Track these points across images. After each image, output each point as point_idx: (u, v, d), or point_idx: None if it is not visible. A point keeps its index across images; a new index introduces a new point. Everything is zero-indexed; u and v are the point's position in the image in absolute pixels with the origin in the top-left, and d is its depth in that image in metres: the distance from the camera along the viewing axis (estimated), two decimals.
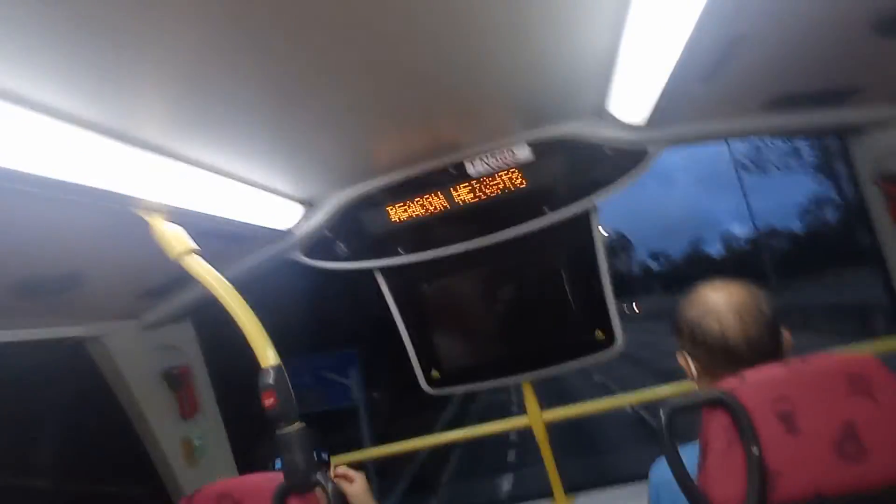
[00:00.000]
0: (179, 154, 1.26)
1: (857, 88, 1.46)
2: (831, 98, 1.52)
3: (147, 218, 1.26)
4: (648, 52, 1.19)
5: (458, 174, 1.83)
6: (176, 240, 1.26)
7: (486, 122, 1.65)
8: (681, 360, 1.16)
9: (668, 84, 1.30)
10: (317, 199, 1.92)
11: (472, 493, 8.16)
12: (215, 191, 1.44)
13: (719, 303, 1.06)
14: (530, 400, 2.04)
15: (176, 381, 2.12)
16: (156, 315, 2.03)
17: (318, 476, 1.10)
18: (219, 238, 1.68)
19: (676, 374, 1.29)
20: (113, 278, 1.64)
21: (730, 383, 0.94)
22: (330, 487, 1.08)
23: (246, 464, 2.39)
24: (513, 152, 1.79)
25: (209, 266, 1.25)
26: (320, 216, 1.92)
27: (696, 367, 1.11)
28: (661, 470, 1.11)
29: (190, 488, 2.10)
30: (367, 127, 1.46)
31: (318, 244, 1.97)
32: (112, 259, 1.53)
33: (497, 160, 1.80)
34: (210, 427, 2.27)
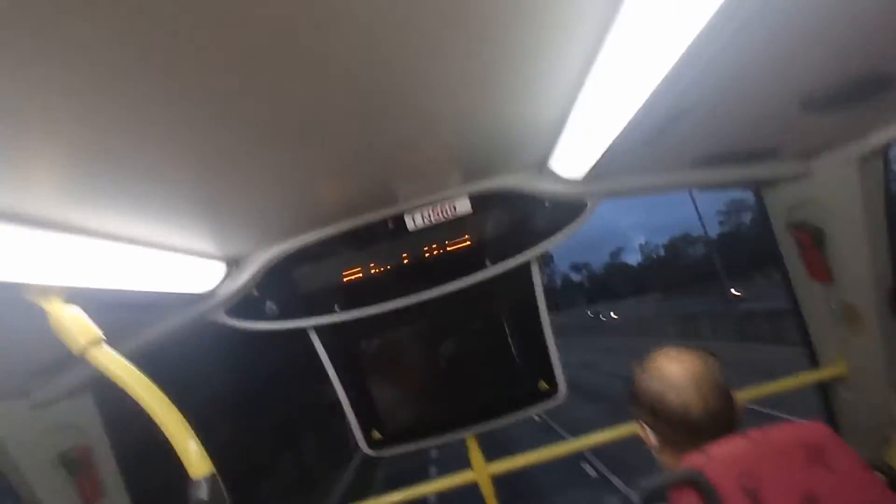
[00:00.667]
0: (75, 226, 1.08)
1: (774, 149, 1.57)
2: (751, 157, 1.63)
3: (43, 304, 1.07)
4: (598, 117, 1.20)
5: (397, 228, 1.76)
6: (79, 330, 1.07)
7: (426, 175, 1.59)
8: (639, 431, 1.15)
9: (611, 145, 1.31)
10: (242, 257, 1.76)
11: None
12: (121, 261, 1.26)
13: (678, 376, 1.06)
14: (475, 454, 1.97)
15: (74, 464, 1.84)
16: (48, 392, 1.76)
17: None
18: (129, 308, 1.48)
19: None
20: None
21: (697, 460, 0.94)
22: None
23: None
24: (453, 206, 1.74)
25: (122, 359, 1.08)
26: (246, 274, 1.76)
27: (656, 439, 1.11)
28: None
29: None
30: (296, 181, 1.34)
31: (244, 304, 1.80)
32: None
33: (437, 214, 1.75)
34: None
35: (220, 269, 1.69)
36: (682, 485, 0.92)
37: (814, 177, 1.68)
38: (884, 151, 1.49)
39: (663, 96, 1.05)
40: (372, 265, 1.78)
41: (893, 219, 1.58)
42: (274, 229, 1.66)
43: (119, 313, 1.23)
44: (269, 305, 1.79)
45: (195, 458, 1.01)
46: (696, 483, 0.90)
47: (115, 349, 1.71)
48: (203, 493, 0.98)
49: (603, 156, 1.41)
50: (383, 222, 1.76)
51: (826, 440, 0.93)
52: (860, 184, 1.53)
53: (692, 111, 1.20)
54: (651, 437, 1.11)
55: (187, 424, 1.04)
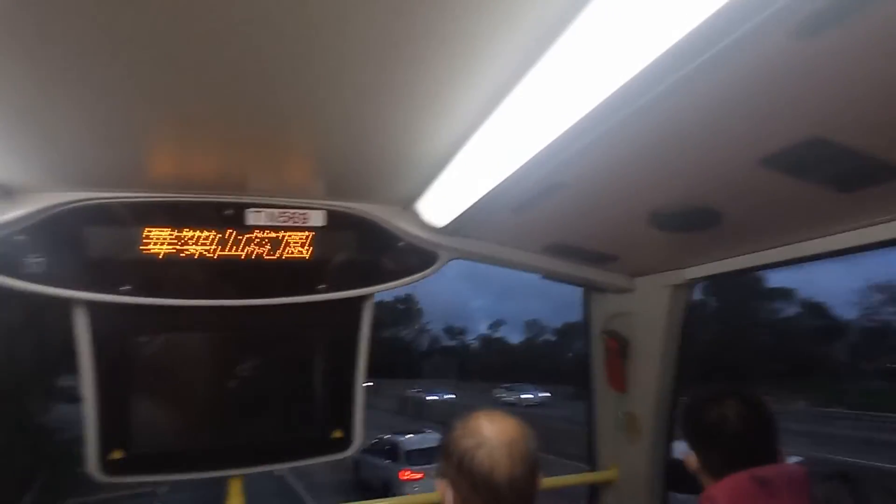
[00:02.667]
0: None
1: (614, 257, 1.74)
2: (593, 258, 1.78)
3: None
4: (476, 172, 1.22)
5: (234, 219, 1.54)
6: None
7: (285, 174, 1.44)
8: (439, 488, 1.08)
9: (479, 202, 1.32)
10: (21, 191, 1.38)
11: None
12: None
13: (493, 436, 1.03)
14: (234, 499, 1.67)
15: None
16: None
17: None
18: None
19: None
20: None
21: None
22: None
23: None
24: (306, 216, 1.59)
25: None
26: (17, 212, 1.37)
27: (454, 498, 1.04)
28: None
29: None
30: (126, 126, 1.10)
31: None
32: None
33: (285, 219, 1.57)
34: None
35: None
36: None
37: (635, 293, 1.88)
38: (691, 285, 1.73)
39: (537, 169, 1.11)
40: (186, 250, 1.51)
41: (684, 346, 1.82)
42: (77, 171, 1.34)
43: None
44: (36, 261, 1.40)
45: None
46: None
47: None
48: None
49: (469, 211, 1.41)
50: (219, 206, 1.53)
51: None
52: (668, 308, 1.74)
53: (557, 192, 1.28)
54: (449, 497, 1.04)
55: None
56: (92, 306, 1.47)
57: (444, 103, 1.02)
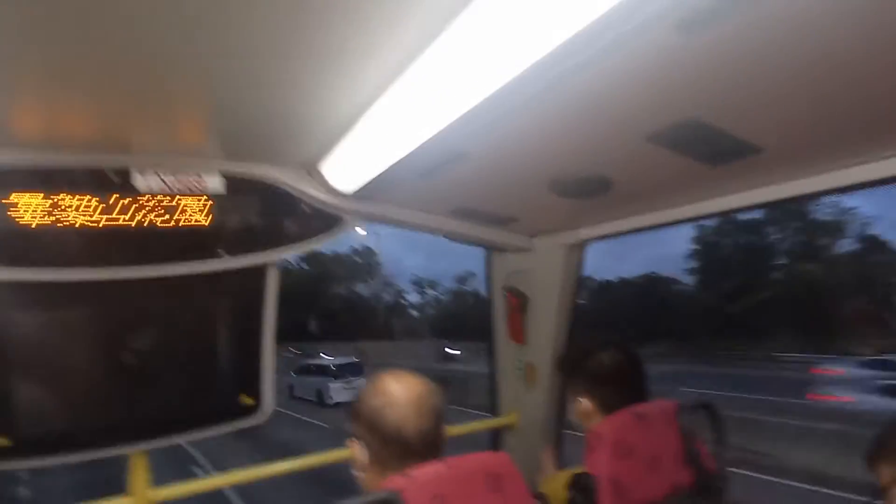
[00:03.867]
0: None
1: (515, 219, 1.83)
2: (495, 220, 1.86)
3: None
4: (383, 138, 1.21)
5: (121, 184, 1.40)
6: None
7: (175, 133, 1.33)
8: (352, 448, 1.12)
9: (387, 171, 1.32)
10: None
11: None
12: None
13: (400, 395, 1.08)
14: (138, 475, 1.58)
15: None
16: None
17: None
18: None
19: None
20: None
21: (398, 482, 0.96)
22: None
23: None
24: (201, 180, 1.48)
25: None
26: None
27: (366, 455, 1.08)
28: None
29: None
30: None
31: None
32: None
33: (178, 182, 1.45)
34: None
35: None
36: None
37: (533, 252, 2.00)
38: (584, 244, 1.88)
39: (443, 139, 1.13)
40: (65, 219, 1.35)
41: (575, 300, 1.99)
42: None
43: None
44: None
45: None
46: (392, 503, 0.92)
47: None
48: None
49: (377, 178, 1.40)
50: (103, 170, 1.38)
51: (504, 470, 1.06)
52: (563, 266, 1.89)
53: (463, 160, 1.32)
54: (361, 455, 1.09)
55: None
56: None
57: (348, 65, 1.00)
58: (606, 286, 38.46)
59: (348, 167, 1.46)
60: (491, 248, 2.15)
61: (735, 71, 0.86)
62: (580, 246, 1.89)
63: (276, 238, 1.61)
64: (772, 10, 0.72)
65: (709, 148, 1.16)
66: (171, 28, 0.86)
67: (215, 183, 1.51)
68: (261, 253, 1.59)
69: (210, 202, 1.51)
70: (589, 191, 1.44)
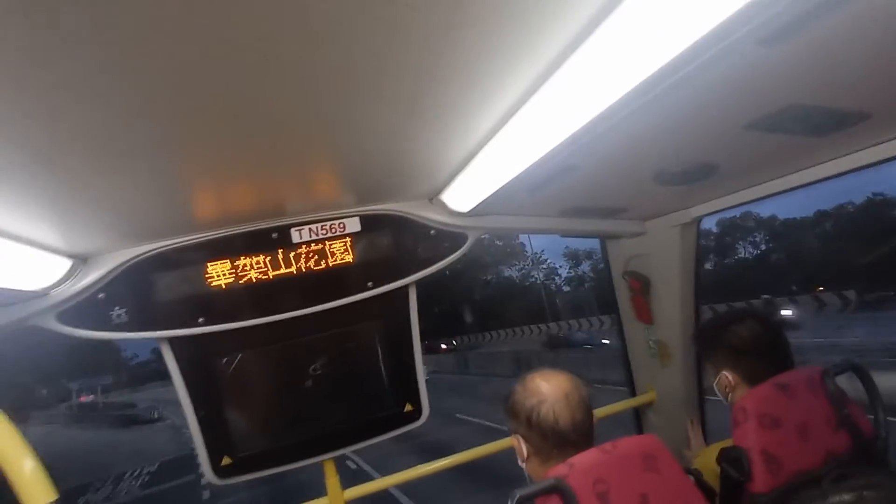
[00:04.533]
0: None
1: (623, 209, 1.88)
2: (605, 213, 1.93)
3: None
4: (497, 165, 1.34)
5: (281, 240, 1.70)
6: None
7: (318, 193, 1.58)
8: (514, 442, 1.27)
9: (501, 190, 1.46)
10: (92, 255, 1.54)
11: None
12: None
13: (551, 393, 1.21)
14: (332, 478, 1.91)
15: None
16: None
17: None
18: None
19: None
20: None
21: (560, 470, 1.08)
22: None
23: None
24: (343, 225, 1.74)
25: None
26: (94, 275, 1.53)
27: (527, 448, 1.23)
28: None
29: None
30: (170, 182, 1.22)
31: (84, 309, 1.56)
32: None
33: (325, 231, 1.73)
34: None
35: (62, 265, 1.45)
36: (549, 493, 1.05)
37: (647, 235, 2.04)
38: (698, 222, 1.89)
39: (553, 158, 1.24)
40: (246, 275, 1.68)
41: (699, 275, 2.00)
42: (136, 229, 1.49)
43: None
44: (118, 312, 1.58)
45: (33, 483, 0.85)
46: (559, 490, 1.04)
47: None
48: None
49: (490, 197, 1.55)
50: (265, 232, 1.68)
51: (656, 451, 1.14)
52: (680, 244, 1.91)
53: (571, 174, 1.42)
54: (523, 449, 1.24)
55: (24, 440, 0.88)
56: (175, 340, 1.66)
57: (464, 116, 1.12)
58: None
59: (465, 193, 1.62)
60: (604, 237, 2.21)
61: (834, 53, 0.88)
62: (694, 223, 1.90)
63: (413, 263, 1.82)
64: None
65: (812, 124, 1.16)
66: (308, 112, 0.99)
67: (354, 224, 1.76)
68: (401, 279, 1.82)
69: (352, 242, 1.76)
70: (694, 177, 1.47)
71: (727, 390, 1.43)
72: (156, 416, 31.07)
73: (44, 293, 1.47)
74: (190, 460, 14.62)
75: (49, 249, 1.36)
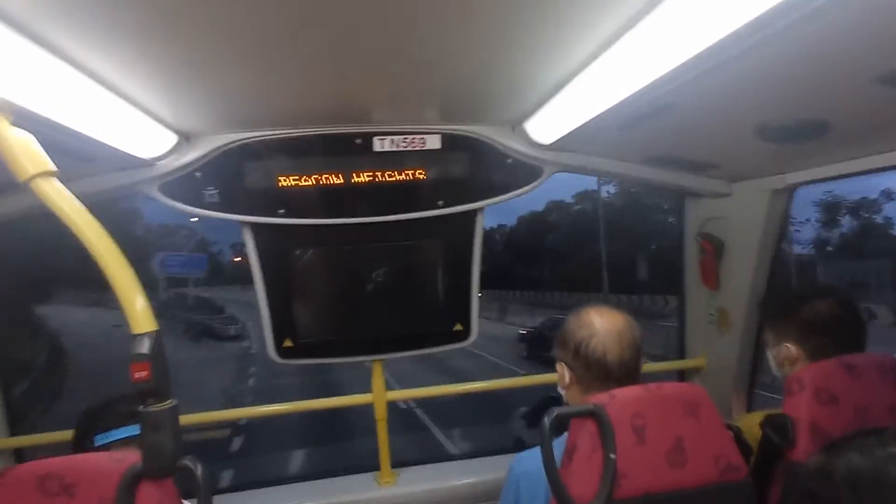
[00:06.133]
0: (41, 36, 0.95)
1: (713, 165, 1.80)
2: (692, 166, 1.85)
3: None
4: (589, 94, 1.31)
5: (363, 146, 1.75)
6: (28, 156, 0.96)
7: (404, 103, 1.60)
8: (558, 368, 1.32)
9: (588, 123, 1.43)
10: (195, 134, 1.65)
11: None
12: (77, 94, 1.13)
13: (604, 327, 1.25)
14: (378, 379, 2.04)
15: None
16: None
17: (187, 460, 0.97)
18: (62, 154, 1.35)
19: None
20: None
21: (601, 399, 1.12)
22: (200, 471, 0.97)
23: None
24: (423, 140, 1.77)
25: (73, 198, 0.99)
26: (195, 153, 1.66)
27: (570, 376, 1.28)
28: (524, 463, 1.28)
29: None
30: (268, 70, 1.26)
31: (182, 184, 1.70)
32: None
33: (406, 143, 1.77)
34: None
35: (169, 140, 1.57)
36: (585, 416, 1.10)
37: (732, 198, 1.95)
38: (791, 190, 1.78)
39: (647, 94, 1.19)
40: (327, 176, 1.76)
41: (780, 248, 1.90)
42: (236, 115, 1.58)
43: (53, 156, 1.11)
44: (210, 192, 1.71)
45: (141, 313, 0.97)
46: (596, 415, 1.08)
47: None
48: (145, 347, 0.95)
49: (576, 130, 1.52)
50: (350, 137, 1.74)
51: (700, 400, 1.17)
52: (766, 212, 1.81)
53: (665, 114, 1.36)
54: (566, 376, 1.29)
55: (136, 279, 1.00)
56: (256, 227, 1.79)
57: (559, 38, 1.09)
58: None
59: (550, 123, 1.60)
60: (685, 194, 2.13)
61: None
62: (786, 191, 1.79)
63: (485, 189, 1.85)
64: None
65: None
66: (400, 15, 0.99)
67: (434, 141, 1.79)
68: (471, 203, 1.85)
69: (430, 158, 1.80)
70: (802, 135, 1.37)
71: (786, 363, 1.40)
72: (233, 332, 26.55)
73: (151, 163, 1.61)
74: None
75: (159, 121, 1.48)
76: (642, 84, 1.15)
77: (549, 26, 1.04)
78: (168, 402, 0.96)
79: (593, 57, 1.16)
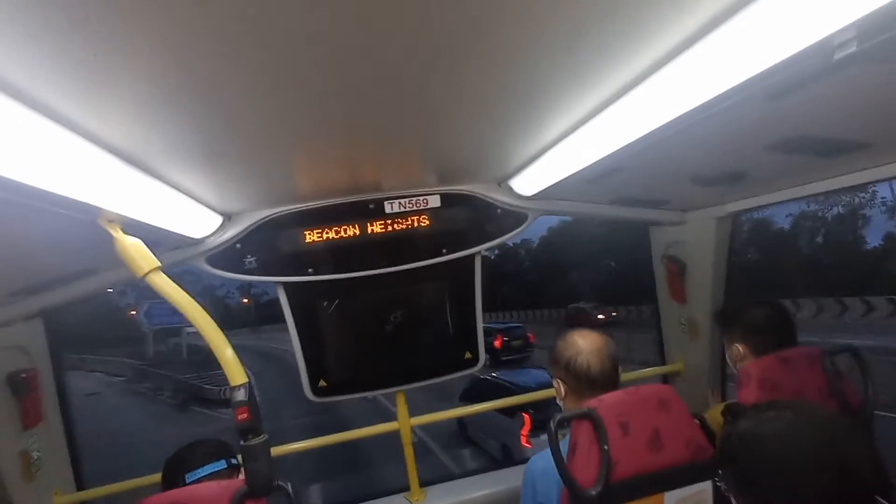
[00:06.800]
0: (136, 159, 1.22)
1: (666, 201, 2.16)
2: (650, 203, 2.20)
3: (111, 231, 1.24)
4: (564, 161, 1.64)
5: (376, 210, 2.07)
6: (141, 256, 1.23)
7: (406, 173, 1.93)
8: (554, 384, 1.60)
9: (561, 181, 1.77)
10: (235, 213, 1.96)
11: None
12: (154, 199, 1.42)
13: (586, 347, 1.53)
14: (401, 407, 2.32)
15: (21, 385, 1.90)
16: (7, 313, 1.81)
17: (280, 482, 1.23)
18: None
19: None
20: (10, 280, 1.49)
21: (592, 403, 1.40)
22: (291, 490, 1.23)
23: (85, 477, 2.21)
24: (426, 200, 2.10)
25: (173, 284, 1.27)
26: (236, 229, 1.96)
27: (564, 389, 1.56)
28: (537, 463, 1.52)
29: None
30: (300, 158, 1.55)
31: (225, 255, 2.00)
32: (18, 257, 1.40)
33: (411, 205, 2.10)
34: (51, 438, 2.06)
35: (215, 221, 1.87)
36: (581, 418, 1.37)
37: (687, 225, 2.31)
38: (733, 217, 2.14)
39: (611, 160, 1.52)
40: (346, 238, 2.07)
41: (730, 264, 2.26)
42: (268, 196, 1.89)
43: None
44: (249, 260, 2.01)
45: (233, 367, 1.22)
46: (590, 417, 1.36)
47: (93, 278, 1.83)
48: (242, 394, 1.20)
49: (551, 185, 1.86)
50: (365, 203, 2.06)
51: (669, 396, 1.45)
52: (715, 235, 2.17)
53: (619, 174, 1.71)
54: (561, 389, 1.57)
55: (226, 338, 1.26)
56: (288, 285, 2.08)
57: (536, 118, 1.36)
58: None
59: (530, 180, 1.95)
60: (648, 224, 2.48)
61: (829, 102, 1.14)
62: (729, 218, 2.15)
63: (480, 234, 2.18)
64: None
65: (818, 149, 1.42)
66: (405, 105, 1.17)
67: (435, 200, 2.13)
68: (470, 248, 2.18)
69: (432, 215, 2.14)
70: (725, 181, 1.74)
71: (737, 360, 1.72)
72: (226, 394, 17.58)
73: (200, 241, 1.91)
74: None
75: (208, 207, 1.78)
76: (601, 155, 1.48)
77: (529, 108, 1.29)
78: (262, 436, 1.22)
79: (564, 135, 1.48)
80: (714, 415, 1.68)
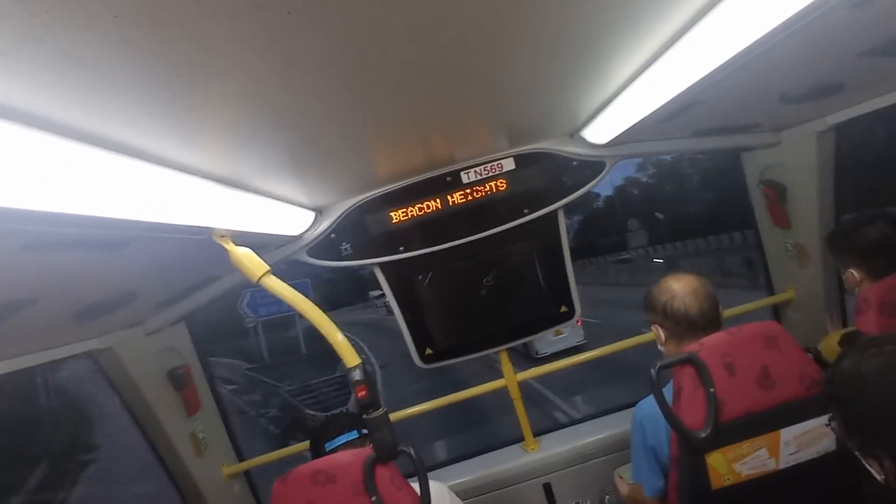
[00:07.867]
0: (233, 180, 1.36)
1: (755, 124, 2.01)
2: (736, 129, 2.06)
3: (224, 245, 1.41)
4: (637, 102, 1.57)
5: (454, 182, 2.14)
6: (252, 263, 1.41)
7: (478, 141, 1.96)
8: (653, 329, 1.61)
9: (637, 122, 1.71)
10: (325, 207, 2.12)
11: None
12: (249, 208, 1.55)
13: (681, 289, 1.52)
14: (506, 365, 2.43)
15: (180, 380, 2.23)
16: (158, 321, 2.12)
17: (403, 447, 1.38)
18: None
19: None
20: (157, 295, 1.74)
21: (693, 347, 1.40)
22: (415, 454, 1.38)
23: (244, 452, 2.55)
24: (500, 165, 2.13)
25: (284, 283, 1.44)
26: (328, 222, 2.12)
27: (664, 334, 1.57)
28: (644, 407, 1.56)
29: (202, 478, 2.26)
30: (374, 145, 1.62)
31: (323, 246, 2.17)
32: (159, 276, 1.64)
33: (487, 171, 2.13)
34: (210, 420, 2.41)
35: (309, 216, 2.04)
36: (684, 363, 1.38)
37: (782, 145, 2.13)
38: (836, 130, 1.94)
39: (687, 95, 1.43)
40: (430, 212, 2.17)
41: (838, 180, 2.07)
42: (352, 185, 2.01)
43: None
44: (345, 247, 2.17)
45: (346, 350, 1.38)
46: (692, 361, 1.37)
47: (218, 283, 2.07)
48: (359, 374, 1.35)
49: (628, 129, 1.80)
50: (442, 176, 2.13)
51: (777, 332, 1.40)
52: (817, 152, 1.99)
53: (705, 102, 1.61)
54: (661, 334, 1.58)
55: (336, 327, 1.41)
56: (384, 265, 2.23)
57: (600, 66, 1.31)
58: None
59: (603, 128, 1.89)
60: (739, 150, 2.32)
61: None
62: (831, 131, 1.95)
63: (559, 190, 2.18)
64: None
65: None
66: (466, 73, 1.16)
67: (509, 163, 2.14)
68: (551, 205, 2.19)
69: (508, 177, 2.16)
70: (819, 94, 1.58)
71: (854, 285, 1.62)
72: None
73: (299, 237, 2.09)
74: None
75: (301, 206, 1.94)
76: (678, 90, 1.39)
77: (590, 58, 1.25)
78: (381, 409, 1.38)
79: (635, 75, 1.41)
80: (831, 343, 1.61)
